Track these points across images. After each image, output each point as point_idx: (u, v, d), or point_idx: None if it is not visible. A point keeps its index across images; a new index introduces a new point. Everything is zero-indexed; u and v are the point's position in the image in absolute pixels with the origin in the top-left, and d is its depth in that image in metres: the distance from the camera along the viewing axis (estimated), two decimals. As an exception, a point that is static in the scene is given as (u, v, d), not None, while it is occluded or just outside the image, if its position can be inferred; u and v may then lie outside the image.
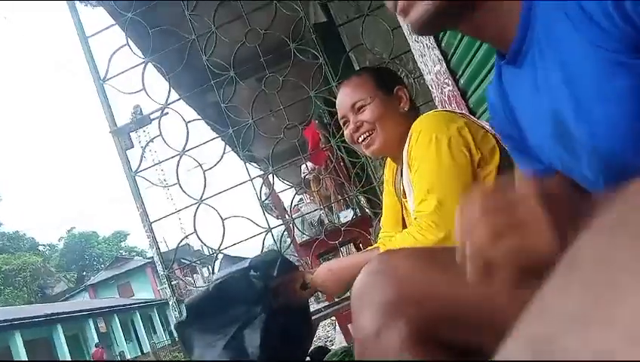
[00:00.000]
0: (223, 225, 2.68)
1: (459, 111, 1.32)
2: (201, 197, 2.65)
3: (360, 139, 1.41)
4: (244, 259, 1.47)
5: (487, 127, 1.27)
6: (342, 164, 4.72)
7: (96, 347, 21.85)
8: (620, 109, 0.57)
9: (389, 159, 1.55)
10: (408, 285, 0.71)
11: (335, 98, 2.62)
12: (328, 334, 5.69)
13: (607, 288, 0.19)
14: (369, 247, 1.47)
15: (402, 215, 1.51)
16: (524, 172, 0.82)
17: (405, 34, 2.41)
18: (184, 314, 1.44)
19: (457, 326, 0.70)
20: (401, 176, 1.41)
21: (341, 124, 1.50)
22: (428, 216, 1.15)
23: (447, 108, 1.93)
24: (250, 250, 3.00)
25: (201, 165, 2.70)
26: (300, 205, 6.87)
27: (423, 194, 1.18)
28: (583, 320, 0.18)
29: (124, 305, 27.83)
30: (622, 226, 0.21)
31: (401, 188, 1.43)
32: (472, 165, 1.18)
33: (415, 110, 1.46)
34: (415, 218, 1.19)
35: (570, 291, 0.20)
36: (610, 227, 0.22)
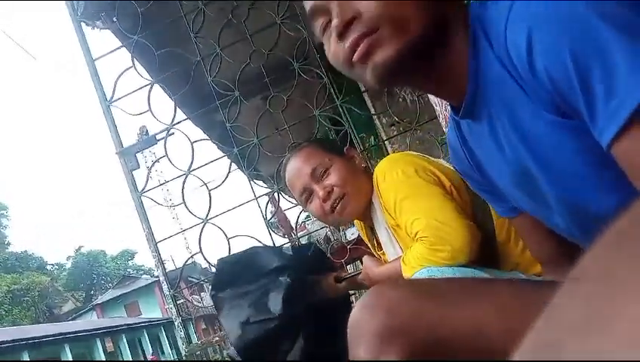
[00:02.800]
0: (229, 245, 2.67)
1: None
2: (207, 216, 2.65)
3: (334, 206, 1.31)
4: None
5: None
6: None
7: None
8: (576, 162, 0.58)
9: (357, 222, 1.51)
10: (400, 316, 0.72)
11: (340, 117, 2.65)
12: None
13: (608, 300, 0.20)
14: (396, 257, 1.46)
15: None
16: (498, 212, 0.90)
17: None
18: (216, 270, 1.55)
19: (450, 356, 0.71)
20: (371, 231, 1.39)
21: (302, 202, 1.39)
22: (426, 231, 1.10)
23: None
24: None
25: (206, 184, 2.71)
26: (306, 222, 6.85)
27: (412, 216, 1.14)
28: (584, 329, 0.20)
29: (131, 324, 27.72)
30: (624, 241, 0.23)
31: (375, 241, 1.41)
32: (445, 190, 1.15)
33: (367, 170, 1.42)
34: (419, 238, 1.16)
35: (575, 302, 0.21)
36: (614, 242, 0.23)
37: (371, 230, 1.41)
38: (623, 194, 0.56)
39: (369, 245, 1.55)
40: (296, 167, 1.36)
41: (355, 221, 1.50)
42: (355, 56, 0.66)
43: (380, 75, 0.66)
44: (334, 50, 0.70)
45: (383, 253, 1.39)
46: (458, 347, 0.70)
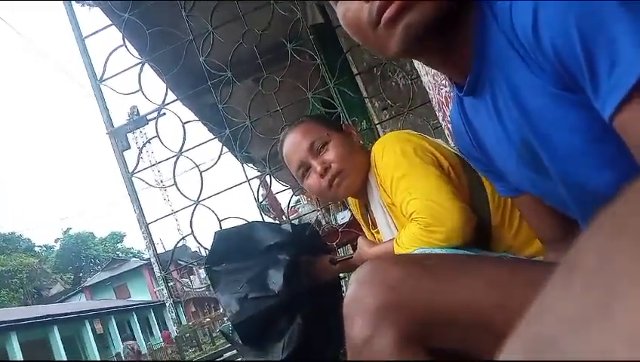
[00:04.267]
0: (220, 227, 2.67)
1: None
2: (198, 198, 2.64)
3: (332, 182, 1.30)
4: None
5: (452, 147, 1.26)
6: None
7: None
8: (575, 138, 0.58)
9: (351, 199, 1.51)
10: (397, 292, 0.72)
11: (332, 99, 2.64)
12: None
13: (607, 290, 0.19)
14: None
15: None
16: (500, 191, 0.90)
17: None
18: (213, 243, 1.52)
19: (446, 331, 0.72)
20: (366, 209, 1.40)
21: (298, 177, 1.38)
22: (421, 212, 1.11)
23: (444, 110, 1.93)
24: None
25: (198, 166, 2.69)
26: (297, 206, 6.86)
27: (407, 196, 1.14)
28: (582, 321, 0.19)
29: (120, 307, 27.76)
30: (623, 228, 0.22)
31: (369, 220, 1.41)
32: (442, 170, 1.16)
33: (363, 147, 1.41)
34: (413, 219, 1.17)
35: (571, 293, 0.20)
36: (611, 228, 0.22)
37: (366, 208, 1.41)
38: (620, 171, 0.57)
39: (362, 223, 1.55)
40: (294, 142, 1.35)
41: (350, 198, 1.49)
42: (387, 14, 0.63)
43: (409, 37, 0.64)
44: (355, 9, 0.67)
45: (377, 232, 1.39)
46: (452, 322, 0.71)
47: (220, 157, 2.80)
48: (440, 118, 2.32)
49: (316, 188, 1.34)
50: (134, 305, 29.66)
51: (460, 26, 0.67)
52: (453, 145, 1.32)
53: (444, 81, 2.13)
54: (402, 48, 0.66)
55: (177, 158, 2.67)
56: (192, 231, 2.68)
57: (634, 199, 0.23)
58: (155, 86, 2.97)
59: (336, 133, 1.36)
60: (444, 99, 2.18)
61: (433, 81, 2.27)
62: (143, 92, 2.69)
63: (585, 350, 0.18)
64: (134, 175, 2.69)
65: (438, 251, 1.07)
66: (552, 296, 0.21)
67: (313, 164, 1.32)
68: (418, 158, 1.15)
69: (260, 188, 2.98)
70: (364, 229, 1.56)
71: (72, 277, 43.83)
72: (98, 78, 2.72)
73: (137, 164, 2.72)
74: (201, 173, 2.68)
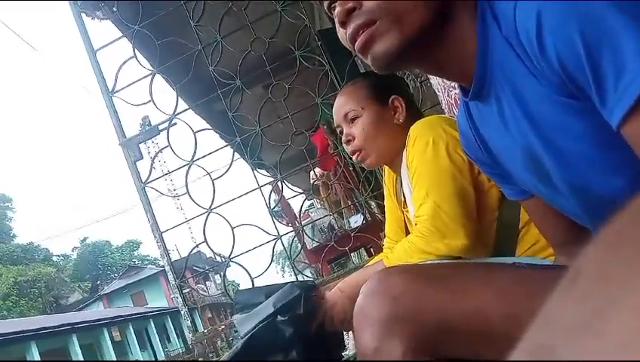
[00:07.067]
0: (233, 234, 2.69)
1: None
2: (211, 206, 2.66)
3: (352, 154, 1.39)
4: (258, 289, 1.42)
5: None
6: (351, 168, 4.72)
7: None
8: (581, 144, 0.58)
9: (387, 168, 1.51)
10: (404, 302, 0.74)
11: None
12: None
13: (604, 299, 0.20)
14: (373, 260, 1.44)
15: (405, 224, 1.48)
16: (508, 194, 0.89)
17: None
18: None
19: (454, 340, 0.73)
20: (401, 185, 1.39)
21: (339, 133, 1.48)
22: (427, 220, 1.13)
23: (454, 112, 1.92)
24: (262, 257, 3.00)
25: (209, 174, 2.71)
26: (309, 211, 6.87)
27: (422, 197, 1.15)
28: (579, 330, 0.19)
29: (138, 314, 27.95)
30: (623, 238, 0.22)
31: (402, 197, 1.41)
32: (472, 170, 1.16)
33: (415, 118, 1.37)
34: (416, 223, 1.17)
35: (571, 302, 0.21)
36: (613, 239, 0.23)
37: (400, 183, 1.41)
38: (626, 177, 0.56)
39: (388, 193, 1.54)
40: (337, 105, 1.42)
41: (386, 171, 1.52)
42: (356, 47, 0.68)
43: (380, 65, 0.68)
44: (340, 33, 0.71)
45: (407, 210, 1.38)
46: (460, 332, 0.71)
47: (231, 164, 2.82)
48: (450, 120, 2.31)
49: (347, 150, 1.43)
50: (151, 312, 29.85)
51: (459, 33, 0.67)
52: None
53: (453, 84, 2.12)
54: (379, 70, 0.70)
55: (189, 167, 2.70)
56: (205, 239, 2.69)
57: (636, 210, 0.24)
58: (165, 96, 3.01)
59: (373, 105, 1.36)
60: (453, 101, 2.17)
61: (442, 83, 2.26)
62: (154, 102, 2.72)
63: (579, 357, 0.18)
64: (147, 185, 2.71)
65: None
66: (555, 305, 0.22)
67: (344, 131, 1.40)
68: (447, 158, 1.15)
69: (273, 193, 2.99)
70: (387, 202, 1.54)
71: (90, 285, 44.23)
72: (110, 90, 2.76)
73: (150, 173, 2.75)
74: (213, 181, 2.70)
